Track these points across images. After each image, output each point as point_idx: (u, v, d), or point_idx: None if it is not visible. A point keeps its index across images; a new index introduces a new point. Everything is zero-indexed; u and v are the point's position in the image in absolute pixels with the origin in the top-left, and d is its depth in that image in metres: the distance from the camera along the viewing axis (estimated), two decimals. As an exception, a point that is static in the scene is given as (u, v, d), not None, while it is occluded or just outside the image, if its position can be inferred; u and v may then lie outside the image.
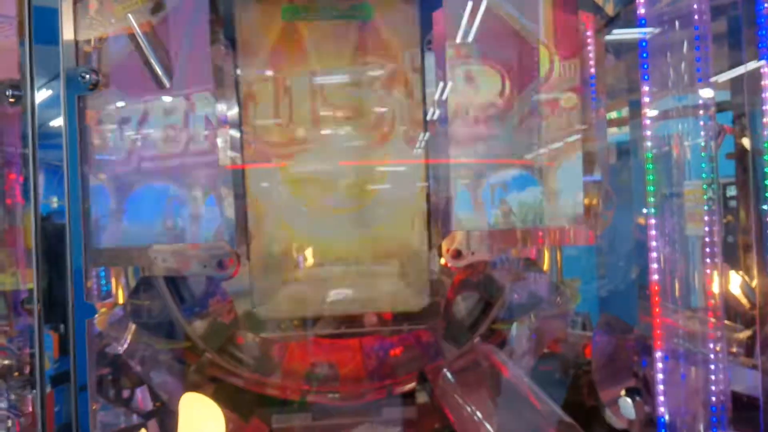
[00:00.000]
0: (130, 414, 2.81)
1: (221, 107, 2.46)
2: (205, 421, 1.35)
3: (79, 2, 2.14)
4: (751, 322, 3.07)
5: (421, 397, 2.51)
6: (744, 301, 3.17)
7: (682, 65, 2.16)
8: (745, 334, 2.95)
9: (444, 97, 2.49)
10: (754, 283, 3.32)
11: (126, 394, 2.77)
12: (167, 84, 2.25)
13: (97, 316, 2.21)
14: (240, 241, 2.53)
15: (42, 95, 1.95)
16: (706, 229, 2.08)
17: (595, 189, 2.57)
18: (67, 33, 2.01)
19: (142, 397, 2.81)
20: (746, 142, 3.30)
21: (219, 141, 2.41)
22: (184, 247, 2.39)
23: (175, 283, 2.66)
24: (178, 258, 2.41)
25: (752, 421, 1.95)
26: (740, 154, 3.28)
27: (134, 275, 2.79)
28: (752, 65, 2.17)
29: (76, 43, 2.09)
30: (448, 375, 2.30)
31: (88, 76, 1.96)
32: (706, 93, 2.15)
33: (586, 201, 2.53)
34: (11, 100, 2.24)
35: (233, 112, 2.57)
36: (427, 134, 2.61)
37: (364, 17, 2.60)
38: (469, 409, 2.10)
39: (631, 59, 2.28)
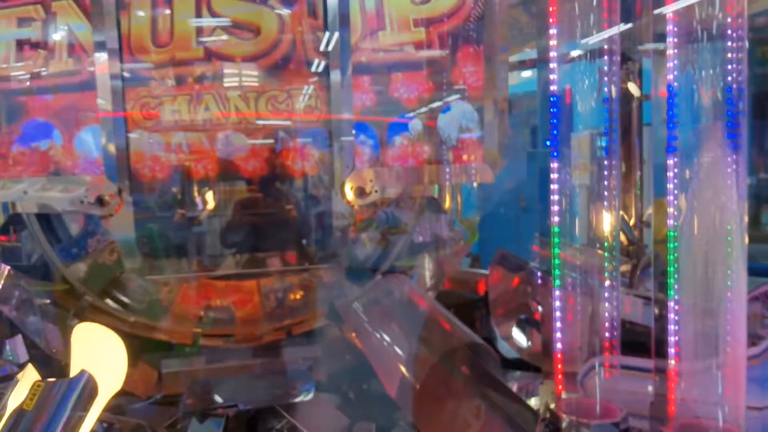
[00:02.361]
0: (2, 365, 2.57)
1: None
2: (103, 348, 1.23)
3: None
4: (630, 256, 3.30)
5: (330, 333, 2.47)
6: (623, 237, 3.39)
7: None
8: (624, 267, 3.17)
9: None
10: (632, 222, 3.56)
11: (-3, 344, 2.52)
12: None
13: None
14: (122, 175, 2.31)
15: None
16: (594, 178, 2.12)
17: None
18: None
19: (14, 347, 2.57)
20: (632, 87, 3.47)
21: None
22: (59, 179, 2.16)
23: (49, 220, 2.41)
24: (52, 192, 2.17)
25: (634, 345, 2.08)
26: (624, 99, 3.43)
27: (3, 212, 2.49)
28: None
29: None
30: (359, 307, 2.27)
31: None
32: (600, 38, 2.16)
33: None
34: None
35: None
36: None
37: None
38: (378, 336, 2.08)
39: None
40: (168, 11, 2.34)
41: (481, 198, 3.05)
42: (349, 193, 2.40)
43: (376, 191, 2.43)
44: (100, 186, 2.23)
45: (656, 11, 1.85)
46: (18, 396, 1.13)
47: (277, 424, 2.00)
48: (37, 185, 2.17)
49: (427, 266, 2.73)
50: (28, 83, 2.18)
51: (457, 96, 2.49)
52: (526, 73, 3.23)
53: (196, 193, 2.59)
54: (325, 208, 2.69)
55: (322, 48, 2.44)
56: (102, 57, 2.22)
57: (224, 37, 2.39)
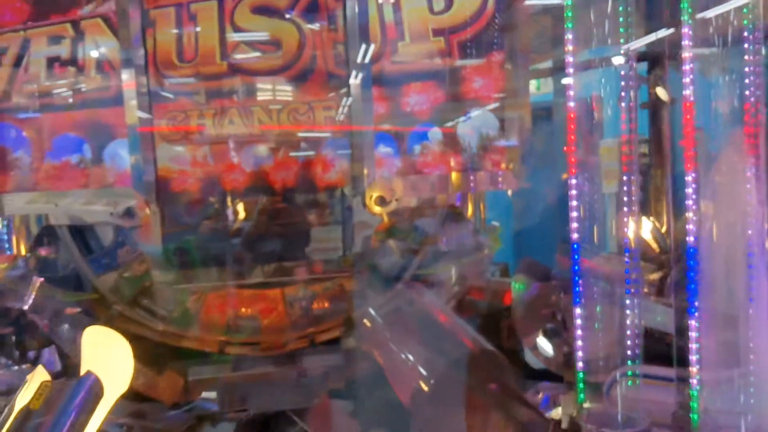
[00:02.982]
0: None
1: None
2: (110, 351, 1.27)
3: None
4: (662, 264, 3.22)
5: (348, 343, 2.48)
6: (654, 245, 3.31)
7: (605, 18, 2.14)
8: (655, 276, 3.09)
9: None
10: (664, 228, 3.48)
11: (32, 354, 2.60)
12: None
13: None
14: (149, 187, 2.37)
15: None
16: (624, 187, 2.09)
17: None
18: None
19: (49, 357, 2.65)
20: (661, 92, 3.40)
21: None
22: (89, 192, 2.23)
23: (80, 232, 2.49)
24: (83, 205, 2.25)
25: (660, 354, 2.03)
26: (654, 105, 3.37)
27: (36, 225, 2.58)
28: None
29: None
30: (375, 317, 2.27)
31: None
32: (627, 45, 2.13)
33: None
34: None
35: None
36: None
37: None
38: (395, 347, 2.08)
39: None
40: (193, 27, 2.40)
41: (510, 206, 3.02)
42: (371, 202, 2.41)
43: (397, 200, 2.44)
44: (129, 198, 2.29)
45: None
46: (26, 396, 1.17)
47: (290, 429, 2.01)
48: (68, 198, 2.24)
49: (450, 275, 2.72)
50: (58, 99, 2.27)
51: (478, 104, 2.48)
52: (546, 83, 3.20)
53: (221, 205, 2.64)
54: (347, 217, 2.71)
55: (342, 60, 2.48)
56: (129, 73, 2.29)
57: (248, 51, 2.45)
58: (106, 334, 1.32)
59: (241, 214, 2.66)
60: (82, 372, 1.22)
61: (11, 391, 2.36)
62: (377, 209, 2.45)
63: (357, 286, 2.64)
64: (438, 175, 2.51)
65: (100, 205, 2.29)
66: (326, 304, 2.67)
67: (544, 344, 2.53)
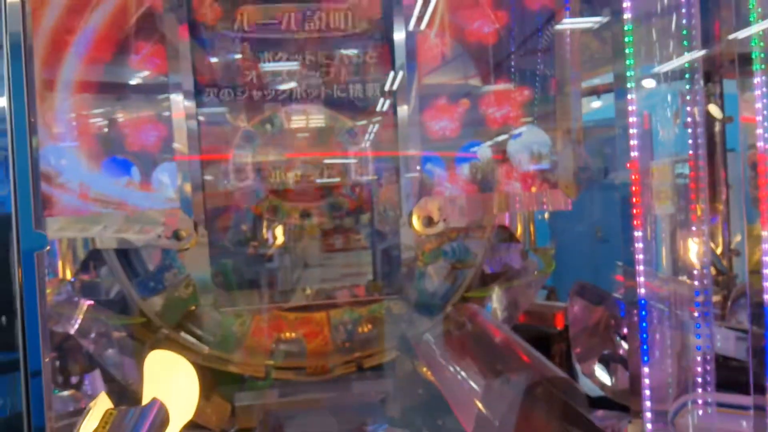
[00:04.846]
0: (81, 399, 2.63)
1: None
2: (175, 376, 1.22)
3: None
4: (721, 287, 3.09)
5: (402, 368, 2.42)
6: (712, 268, 3.18)
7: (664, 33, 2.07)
8: (714, 298, 2.96)
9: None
10: (719, 250, 3.35)
11: (75, 379, 2.58)
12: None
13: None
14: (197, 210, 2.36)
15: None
16: (677, 206, 2.01)
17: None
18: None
19: (93, 381, 2.63)
20: (713, 109, 3.30)
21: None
22: (137, 214, 2.22)
23: (127, 256, 2.49)
24: (130, 227, 2.24)
25: (729, 380, 1.92)
26: (707, 123, 3.27)
27: (84, 248, 2.59)
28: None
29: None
30: (430, 339, 2.20)
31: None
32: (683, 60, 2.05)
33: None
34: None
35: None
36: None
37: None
38: (453, 369, 2.01)
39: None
40: (240, 54, 2.40)
41: (555, 227, 2.94)
42: (417, 223, 2.37)
43: (444, 220, 2.38)
44: (176, 221, 2.28)
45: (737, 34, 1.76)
46: (90, 424, 1.13)
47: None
48: (116, 221, 2.24)
49: (499, 298, 2.64)
50: (108, 123, 2.28)
51: (529, 122, 2.43)
52: (598, 101, 3.14)
53: (267, 229, 2.62)
54: (392, 240, 2.66)
55: (389, 84, 2.46)
56: (177, 98, 2.29)
57: (294, 77, 2.44)
58: (170, 358, 1.28)
59: (285, 239, 2.63)
60: (147, 398, 1.17)
61: (59, 418, 2.35)
62: (424, 230, 2.40)
63: (404, 308, 2.58)
64: (486, 195, 2.45)
65: (147, 228, 2.27)
66: (372, 328, 2.61)
67: (601, 371, 2.43)
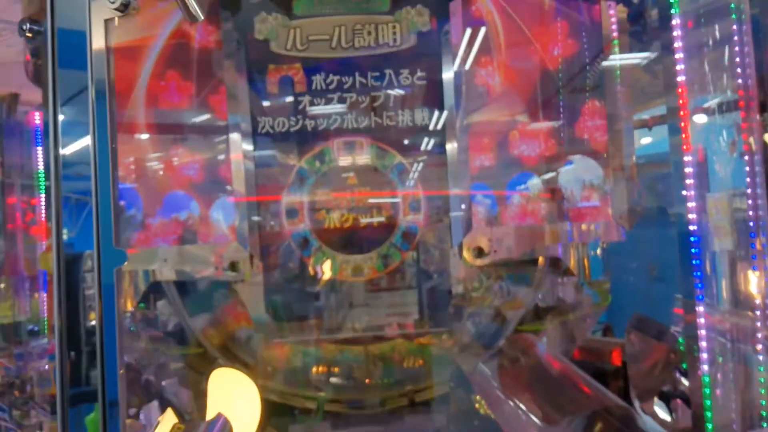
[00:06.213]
0: (138, 429, 2.69)
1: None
2: (238, 393, 1.25)
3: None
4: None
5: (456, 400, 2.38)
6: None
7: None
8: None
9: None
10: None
11: (132, 410, 2.65)
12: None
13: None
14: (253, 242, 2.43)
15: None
16: (735, 240, 1.95)
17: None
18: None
19: (149, 413, 2.70)
20: (769, 138, 3.19)
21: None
22: (195, 247, 2.30)
23: (185, 288, 2.56)
24: (189, 260, 2.32)
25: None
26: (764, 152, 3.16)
27: (144, 280, 2.68)
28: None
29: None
30: (486, 370, 2.17)
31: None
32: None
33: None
34: (28, 35, 2.15)
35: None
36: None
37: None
38: (512, 403, 1.97)
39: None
40: (292, 95, 2.51)
41: (610, 264, 2.88)
42: (467, 254, 2.36)
43: (495, 251, 2.37)
44: (233, 252, 2.34)
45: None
46: (158, 439, 1.17)
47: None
48: (175, 253, 2.32)
49: (554, 332, 2.59)
50: (172, 160, 2.39)
51: (581, 151, 2.42)
52: (648, 137, 3.09)
53: (319, 263, 2.66)
54: (442, 275, 2.65)
55: (438, 122, 2.50)
56: (236, 138, 2.39)
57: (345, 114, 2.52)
58: (234, 375, 1.31)
59: (334, 272, 2.67)
60: (211, 414, 1.21)
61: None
62: (474, 261, 2.39)
63: (456, 341, 2.56)
64: (537, 226, 2.44)
65: (205, 261, 2.35)
66: (423, 362, 2.60)
67: (663, 408, 2.33)
